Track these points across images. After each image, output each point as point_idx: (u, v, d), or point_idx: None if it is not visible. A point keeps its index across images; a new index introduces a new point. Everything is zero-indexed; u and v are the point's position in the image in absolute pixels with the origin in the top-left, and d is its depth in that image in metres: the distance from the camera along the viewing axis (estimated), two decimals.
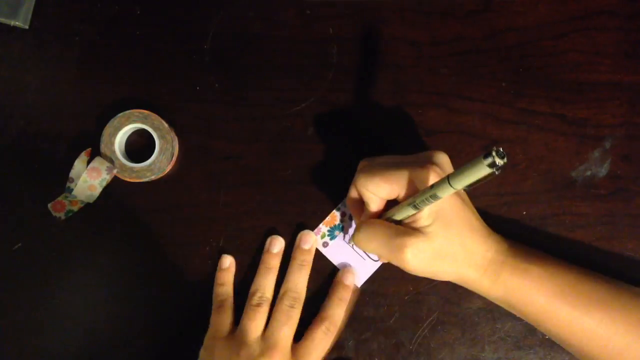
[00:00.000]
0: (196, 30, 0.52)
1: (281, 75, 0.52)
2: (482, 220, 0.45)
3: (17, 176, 0.52)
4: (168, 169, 0.51)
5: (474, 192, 0.51)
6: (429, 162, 0.42)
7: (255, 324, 0.48)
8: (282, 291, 0.50)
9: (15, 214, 0.52)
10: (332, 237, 0.51)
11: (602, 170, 0.50)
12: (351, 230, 0.51)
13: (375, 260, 0.51)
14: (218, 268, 0.51)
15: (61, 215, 0.51)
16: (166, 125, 0.51)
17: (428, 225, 0.42)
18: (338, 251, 0.51)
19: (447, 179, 0.36)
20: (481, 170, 0.32)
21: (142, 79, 0.52)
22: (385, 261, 0.50)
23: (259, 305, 0.49)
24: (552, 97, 0.51)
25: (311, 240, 0.51)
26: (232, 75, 0.52)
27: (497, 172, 0.31)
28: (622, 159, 0.50)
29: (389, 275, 0.51)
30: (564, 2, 0.51)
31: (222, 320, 0.49)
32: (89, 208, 0.51)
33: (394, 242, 0.42)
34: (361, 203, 0.46)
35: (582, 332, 0.43)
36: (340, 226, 0.51)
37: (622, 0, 0.51)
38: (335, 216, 0.51)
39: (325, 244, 0.51)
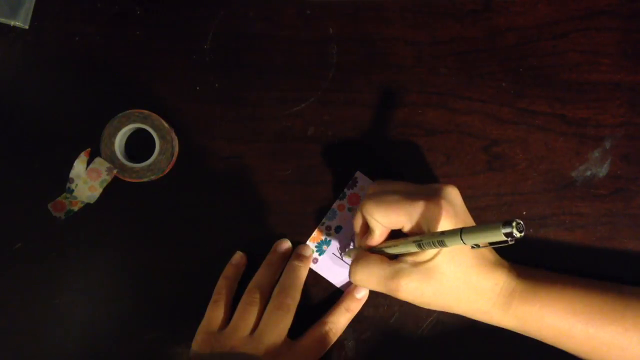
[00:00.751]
0: (196, 30, 0.52)
1: (281, 75, 0.52)
2: (490, 248, 0.44)
3: (17, 176, 0.52)
4: (168, 169, 0.51)
5: (473, 194, 0.51)
6: (439, 197, 0.41)
7: (245, 322, 0.48)
8: (276, 290, 0.49)
9: (15, 214, 0.52)
10: (321, 252, 0.51)
11: (602, 170, 0.50)
12: (350, 259, 0.50)
13: None
14: (229, 262, 0.51)
15: (61, 215, 0.51)
16: (166, 125, 0.51)
17: (429, 260, 0.41)
18: (329, 265, 0.51)
19: (460, 233, 0.35)
20: (496, 236, 0.32)
21: (142, 79, 0.52)
22: None
23: (252, 303, 0.49)
24: (552, 97, 0.51)
25: (309, 251, 0.51)
26: (232, 75, 0.52)
27: (510, 242, 0.32)
28: (622, 159, 0.50)
29: None
30: (564, 2, 0.51)
31: (217, 314, 0.49)
32: (89, 208, 0.51)
33: (391, 284, 0.42)
34: (367, 226, 0.46)
35: (600, 345, 0.43)
36: (328, 240, 0.51)
37: (622, 0, 0.51)
38: (320, 231, 0.51)
39: (315, 260, 0.51)
